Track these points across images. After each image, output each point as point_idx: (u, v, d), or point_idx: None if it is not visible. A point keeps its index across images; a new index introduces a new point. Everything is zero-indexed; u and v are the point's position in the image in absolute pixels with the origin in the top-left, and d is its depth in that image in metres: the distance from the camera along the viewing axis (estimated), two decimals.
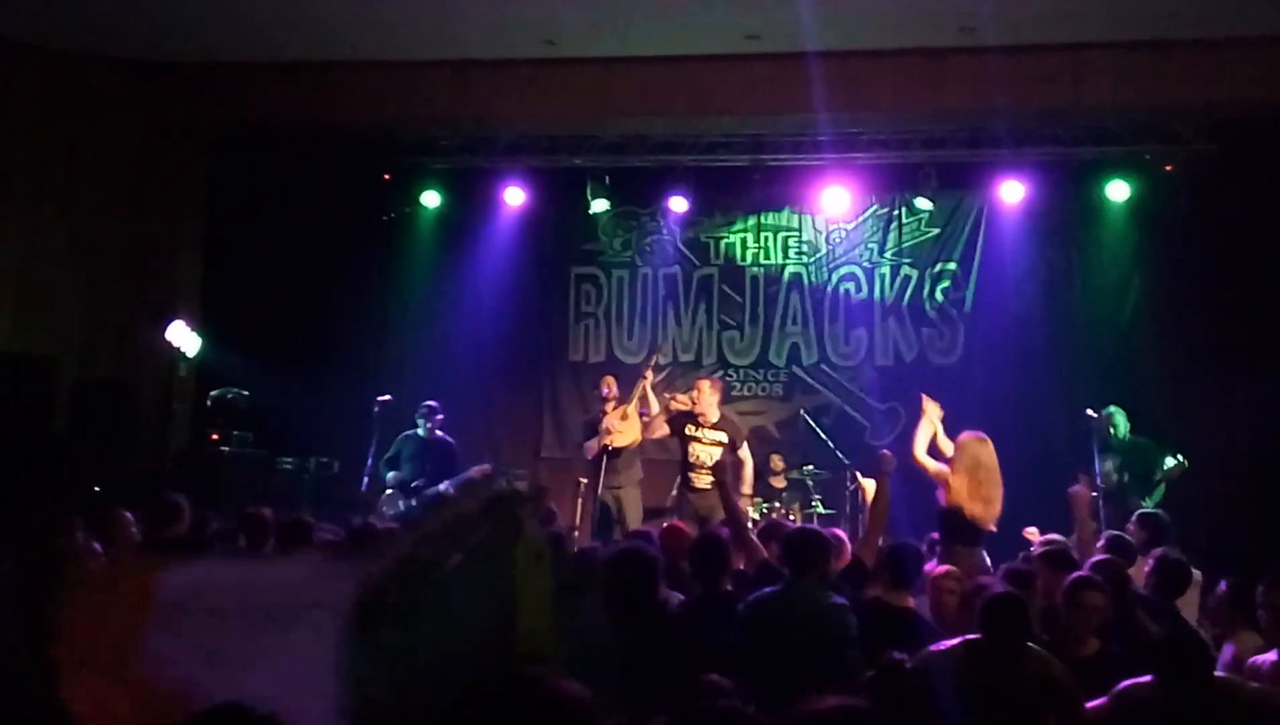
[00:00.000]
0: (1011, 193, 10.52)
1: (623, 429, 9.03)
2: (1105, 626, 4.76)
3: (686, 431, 8.51)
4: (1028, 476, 7.85)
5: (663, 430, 8.81)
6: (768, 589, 4.98)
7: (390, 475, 9.25)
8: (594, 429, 9.29)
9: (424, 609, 2.41)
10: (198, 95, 10.32)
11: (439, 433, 9.43)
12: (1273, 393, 9.10)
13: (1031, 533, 7.21)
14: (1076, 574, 4.88)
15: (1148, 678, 4.02)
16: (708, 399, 8.53)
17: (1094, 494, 7.85)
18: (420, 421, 9.40)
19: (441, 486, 9.03)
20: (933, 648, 4.53)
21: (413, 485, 9.18)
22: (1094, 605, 4.61)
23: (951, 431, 7.52)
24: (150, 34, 9.62)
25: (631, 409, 9.07)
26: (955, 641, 4.51)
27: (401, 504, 9.07)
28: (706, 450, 8.38)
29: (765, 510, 9.63)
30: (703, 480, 8.23)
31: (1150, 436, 8.53)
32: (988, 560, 6.56)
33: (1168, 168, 10.21)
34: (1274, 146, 9.37)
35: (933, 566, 6.42)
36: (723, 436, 8.47)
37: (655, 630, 4.35)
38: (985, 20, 8.71)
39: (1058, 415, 8.81)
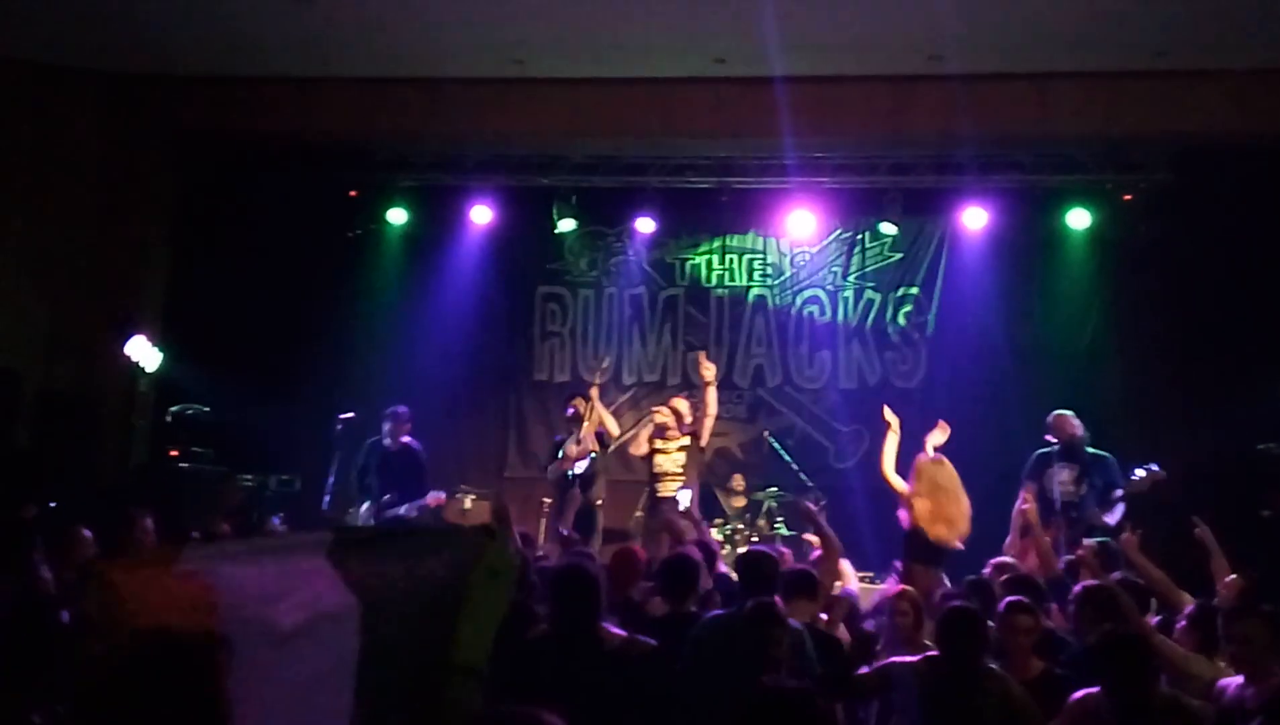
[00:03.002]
0: (974, 219, 10.65)
1: (578, 453, 9.10)
2: (1048, 647, 4.86)
3: (653, 444, 8.70)
4: (990, 499, 7.93)
5: (641, 448, 8.88)
6: (720, 611, 5.02)
7: (364, 508, 9.14)
8: (557, 451, 9.34)
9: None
10: (166, 108, 10.25)
11: (405, 439, 9.27)
12: (1230, 415, 9.24)
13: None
14: (1007, 599, 4.95)
15: (1096, 688, 4.08)
16: (682, 414, 8.81)
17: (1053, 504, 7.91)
18: (386, 428, 9.24)
19: (402, 510, 8.98)
20: (894, 659, 4.58)
21: (383, 499, 9.08)
22: (1025, 627, 4.68)
23: (914, 454, 7.61)
24: (119, 46, 9.55)
25: (586, 431, 9.12)
26: (918, 656, 4.56)
27: (371, 519, 8.97)
28: (671, 458, 8.61)
29: (729, 532, 9.66)
30: (668, 488, 8.47)
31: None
32: (946, 582, 6.61)
33: (1127, 196, 10.38)
34: (1231, 176, 9.54)
35: (890, 586, 6.48)
36: (685, 441, 8.71)
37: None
38: (951, 49, 8.85)
39: (1020, 438, 8.88)
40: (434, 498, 9.11)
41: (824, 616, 5.54)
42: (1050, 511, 7.90)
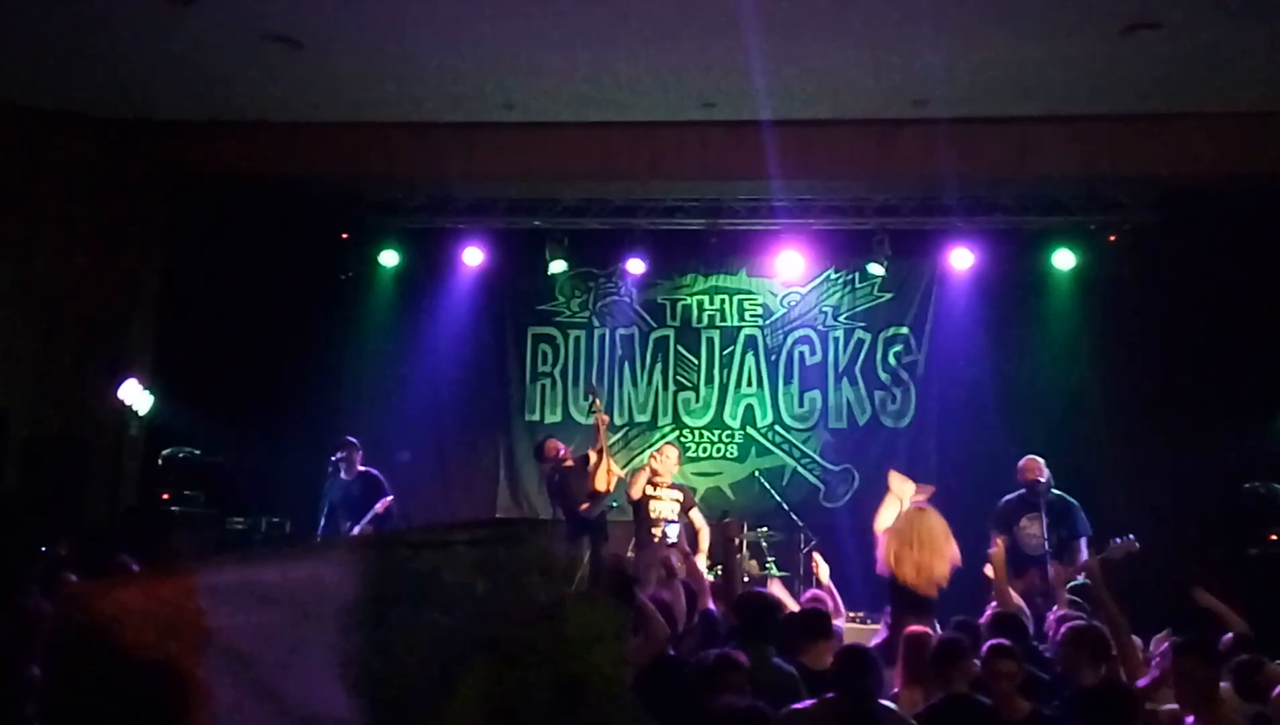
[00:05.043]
0: (961, 260, 10.73)
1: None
2: (1032, 688, 4.90)
3: (647, 491, 8.92)
4: (978, 539, 7.94)
5: (636, 493, 9.02)
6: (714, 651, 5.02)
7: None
8: (568, 490, 9.38)
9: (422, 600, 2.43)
10: (158, 151, 10.31)
11: (360, 468, 9.48)
12: (1216, 454, 9.29)
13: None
14: (989, 643, 4.98)
15: None
16: (669, 463, 9.11)
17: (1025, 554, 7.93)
18: (340, 459, 9.43)
19: (356, 530, 9.10)
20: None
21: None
22: (1006, 672, 4.74)
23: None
24: (111, 90, 9.63)
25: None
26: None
27: None
28: (666, 505, 8.87)
29: (719, 573, 9.65)
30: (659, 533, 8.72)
31: (1094, 497, 8.67)
32: (938, 630, 6.60)
33: (1111, 237, 10.47)
34: (1214, 218, 9.64)
35: (883, 631, 6.50)
36: (678, 495, 9.06)
37: None
38: (934, 94, 8.96)
39: (1008, 479, 8.92)
40: (382, 503, 9.30)
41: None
42: (1026, 562, 7.93)
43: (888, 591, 6.77)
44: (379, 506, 9.29)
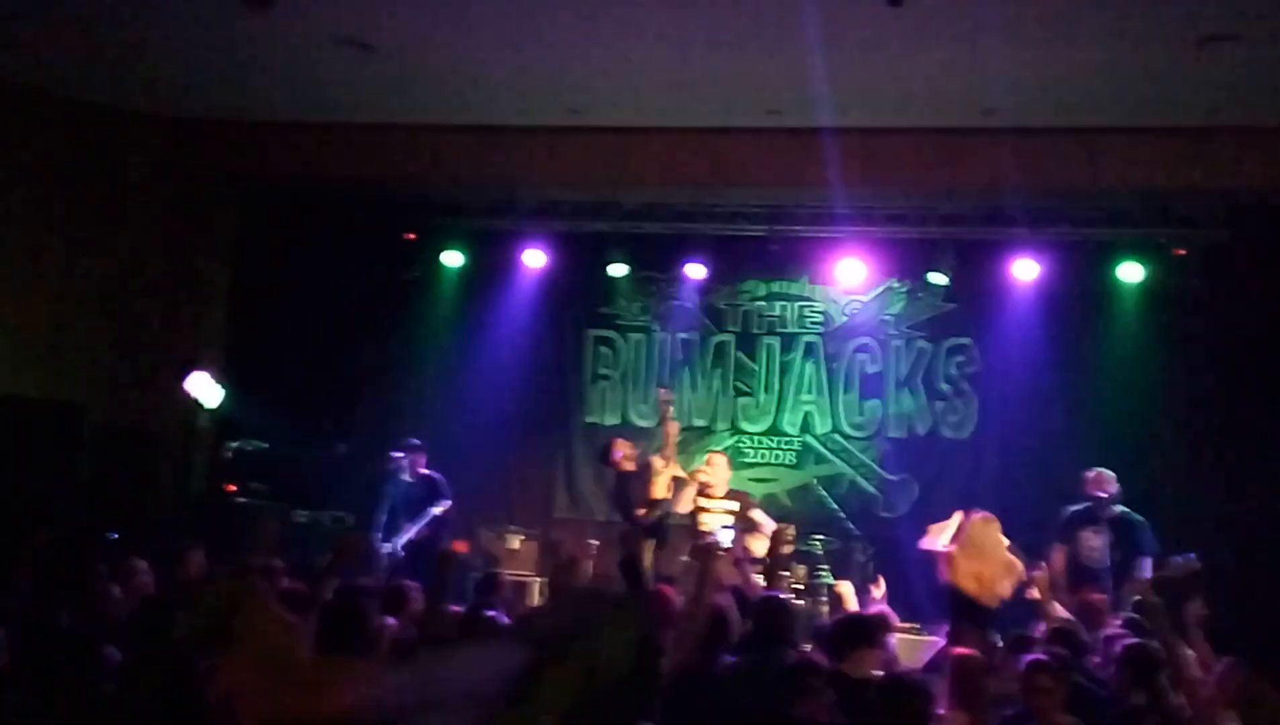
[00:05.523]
0: (1026, 271, 10.60)
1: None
2: (1083, 704, 4.84)
3: (697, 503, 8.83)
4: (1037, 553, 7.89)
5: (686, 506, 8.96)
6: (733, 658, 5.01)
7: (388, 544, 9.37)
8: (626, 494, 9.36)
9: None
10: (230, 152, 10.54)
11: (422, 471, 9.58)
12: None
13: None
14: (1028, 658, 4.96)
15: None
16: (720, 473, 9.01)
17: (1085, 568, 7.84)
18: (404, 462, 9.54)
19: (413, 532, 9.25)
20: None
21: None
22: (1044, 686, 4.70)
23: (964, 506, 7.60)
24: (183, 91, 9.86)
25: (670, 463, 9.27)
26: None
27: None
28: (716, 518, 8.71)
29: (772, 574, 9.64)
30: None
31: (1158, 513, 8.55)
32: (999, 641, 6.55)
33: (1179, 252, 10.30)
34: None
35: (939, 641, 6.46)
36: (732, 505, 8.88)
37: None
38: (1003, 103, 8.88)
39: (1070, 492, 8.83)
40: (440, 507, 9.44)
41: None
42: (1085, 574, 7.83)
43: (948, 601, 6.75)
44: (437, 509, 9.44)
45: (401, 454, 9.64)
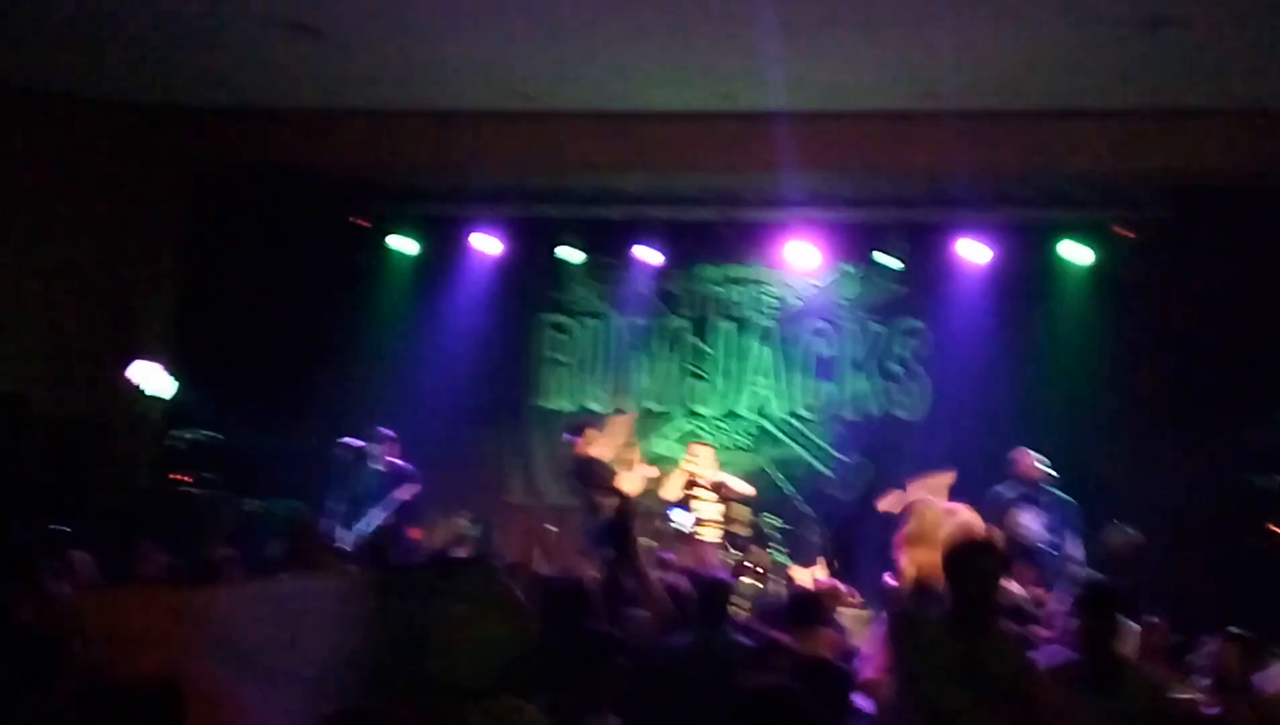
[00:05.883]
0: (975, 253, 10.70)
1: None
2: None
3: (686, 492, 9.05)
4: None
5: (675, 495, 9.09)
6: (678, 639, 5.05)
7: (357, 526, 9.32)
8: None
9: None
10: (177, 138, 10.43)
11: (390, 460, 9.57)
12: (1228, 452, 9.29)
13: None
14: None
15: None
16: (705, 462, 9.30)
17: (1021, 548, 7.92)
18: (373, 451, 9.52)
19: (380, 517, 9.22)
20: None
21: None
22: None
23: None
24: (130, 77, 9.74)
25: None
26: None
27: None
28: (708, 507, 9.04)
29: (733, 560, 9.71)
30: (708, 533, 8.89)
31: (1104, 491, 8.68)
32: None
33: (1124, 233, 10.43)
34: (1229, 214, 9.61)
35: None
36: (714, 495, 9.22)
37: None
38: (950, 87, 8.96)
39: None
40: (407, 490, 9.44)
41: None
42: (1020, 553, 7.90)
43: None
44: (404, 493, 9.41)
45: (362, 443, 9.61)
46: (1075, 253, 10.53)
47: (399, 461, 9.64)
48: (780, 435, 11.56)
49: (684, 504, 9.07)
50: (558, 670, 3.86)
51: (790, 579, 7.27)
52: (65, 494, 8.78)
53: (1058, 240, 10.60)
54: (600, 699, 3.88)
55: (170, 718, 2.61)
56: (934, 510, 6.89)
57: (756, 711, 2.86)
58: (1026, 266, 10.79)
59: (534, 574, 6.22)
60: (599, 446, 9.03)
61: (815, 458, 11.44)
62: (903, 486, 7.69)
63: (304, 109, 10.15)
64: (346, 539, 9.20)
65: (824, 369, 11.57)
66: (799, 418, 11.56)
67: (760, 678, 3.66)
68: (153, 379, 9.65)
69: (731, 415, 11.64)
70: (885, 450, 11.16)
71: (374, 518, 9.35)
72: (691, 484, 9.09)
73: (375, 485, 9.51)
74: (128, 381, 9.59)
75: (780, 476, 10.82)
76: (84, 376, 10.02)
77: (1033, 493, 8.27)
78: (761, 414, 11.61)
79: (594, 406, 11.68)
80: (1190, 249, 9.95)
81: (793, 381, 11.60)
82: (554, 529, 9.70)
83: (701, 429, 11.54)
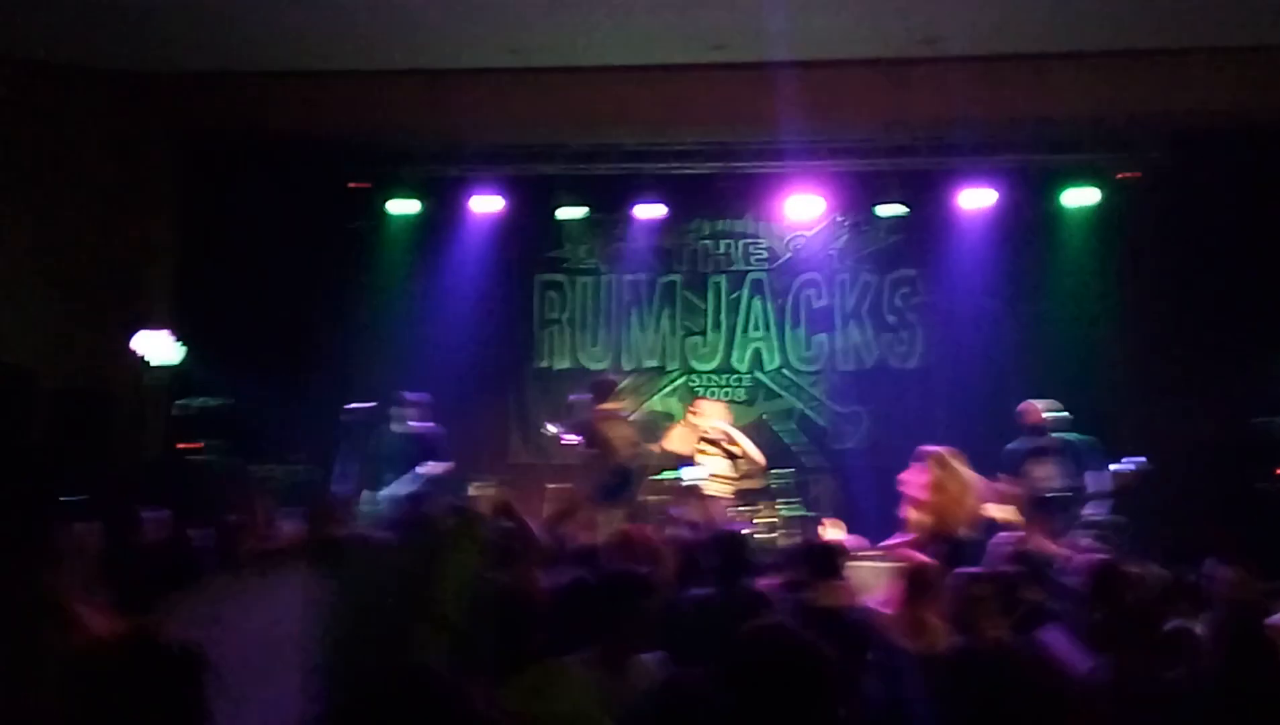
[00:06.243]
0: (974, 200, 10.70)
1: None
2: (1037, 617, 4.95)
3: (697, 447, 9.06)
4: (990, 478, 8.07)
5: (685, 449, 9.09)
6: (698, 591, 5.06)
7: (379, 494, 9.24)
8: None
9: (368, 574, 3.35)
10: (169, 105, 10.28)
11: (413, 424, 9.44)
12: (1231, 393, 9.37)
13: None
14: (963, 570, 5.14)
15: None
16: (715, 415, 9.40)
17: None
18: (395, 414, 9.42)
19: (402, 491, 9.12)
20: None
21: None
22: (977, 596, 4.86)
23: (916, 436, 7.74)
24: (121, 44, 9.58)
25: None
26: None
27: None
28: (717, 461, 9.11)
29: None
30: (714, 489, 8.94)
31: (1107, 436, 8.73)
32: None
33: (1125, 176, 10.45)
34: (1231, 157, 9.63)
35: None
36: (734, 448, 9.36)
37: None
38: (947, 31, 8.92)
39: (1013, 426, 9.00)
40: (440, 467, 9.30)
41: None
42: (1039, 505, 7.96)
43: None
44: (436, 468, 9.24)
45: (370, 406, 9.49)
46: (1077, 197, 10.54)
47: (419, 424, 9.48)
48: (776, 388, 11.61)
49: (692, 460, 9.08)
50: (599, 617, 3.88)
51: (815, 532, 7.30)
52: (72, 465, 8.70)
53: (1058, 184, 10.62)
54: (638, 642, 3.90)
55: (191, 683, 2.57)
56: (959, 460, 6.97)
57: (757, 652, 2.85)
58: (1027, 212, 10.80)
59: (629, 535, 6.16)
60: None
61: (811, 409, 11.49)
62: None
63: (296, 72, 10.02)
64: (369, 501, 9.19)
65: (818, 321, 11.61)
66: (794, 370, 11.61)
67: (758, 620, 3.68)
68: (157, 347, 9.57)
69: (727, 369, 11.69)
70: (881, 400, 11.25)
71: (402, 484, 9.23)
72: (700, 440, 9.10)
73: (399, 449, 9.37)
74: (132, 351, 9.50)
75: (777, 429, 10.86)
76: (88, 347, 9.92)
77: (1045, 443, 8.31)
78: (756, 368, 11.65)
79: (589, 365, 11.68)
80: (1192, 191, 9.97)
81: (786, 334, 11.66)
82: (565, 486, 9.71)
83: (696, 384, 11.57)
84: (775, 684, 2.74)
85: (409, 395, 9.51)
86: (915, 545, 7.03)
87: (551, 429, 9.77)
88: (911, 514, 7.26)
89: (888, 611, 5.33)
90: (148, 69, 10.06)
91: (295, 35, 9.21)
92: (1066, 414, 8.64)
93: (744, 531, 6.77)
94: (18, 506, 7.44)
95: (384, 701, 2.32)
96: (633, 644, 3.87)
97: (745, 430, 11.30)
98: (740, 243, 11.80)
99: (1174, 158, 10.05)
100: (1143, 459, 7.77)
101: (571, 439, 9.41)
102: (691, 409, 9.89)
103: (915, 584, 5.34)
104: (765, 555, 7.41)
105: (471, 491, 9.98)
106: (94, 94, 10.14)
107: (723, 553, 5.40)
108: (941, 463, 7.09)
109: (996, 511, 7.54)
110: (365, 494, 9.24)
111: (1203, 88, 9.25)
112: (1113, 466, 8.15)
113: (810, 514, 9.52)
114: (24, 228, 9.94)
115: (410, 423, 9.44)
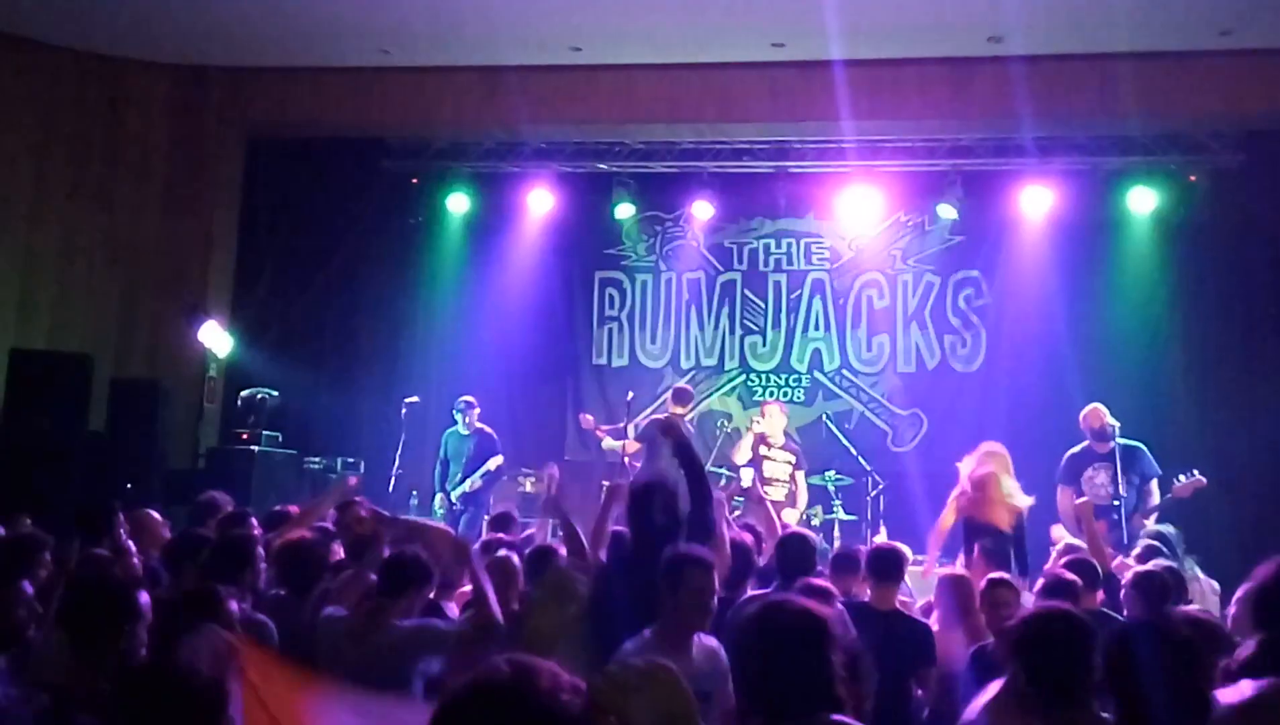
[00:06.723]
0: (1036, 201, 10.53)
1: None
2: None
3: (759, 451, 8.98)
4: (1049, 484, 7.91)
5: (745, 455, 9.06)
6: (759, 592, 5.03)
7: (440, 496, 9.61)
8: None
9: None
10: (233, 99, 10.48)
11: (478, 426, 9.69)
12: None
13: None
14: (992, 574, 5.11)
15: None
16: (775, 422, 9.15)
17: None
18: (458, 417, 9.65)
19: (466, 485, 9.32)
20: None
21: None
22: (1002, 601, 4.83)
23: (976, 437, 7.61)
24: (185, 38, 9.77)
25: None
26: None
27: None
28: (779, 467, 8.96)
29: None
30: (774, 493, 8.73)
31: (1170, 442, 8.53)
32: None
33: (1192, 178, 10.22)
34: None
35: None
36: (789, 456, 9.13)
37: None
38: (1011, 30, 8.78)
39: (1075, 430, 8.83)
40: (494, 462, 9.61)
41: None
42: (1095, 513, 7.78)
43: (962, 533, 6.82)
44: (491, 464, 9.64)
45: (462, 409, 9.73)
46: (1140, 199, 10.32)
47: (481, 425, 9.77)
48: (835, 388, 11.49)
49: (753, 463, 9.01)
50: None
51: (868, 537, 7.24)
52: (132, 454, 8.88)
53: (1121, 186, 10.40)
54: (693, 619, 3.90)
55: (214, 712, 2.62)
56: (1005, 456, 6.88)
57: (776, 628, 2.82)
58: (1088, 214, 10.58)
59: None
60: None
61: (870, 411, 11.36)
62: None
63: (357, 67, 10.14)
64: (441, 501, 9.58)
65: (878, 322, 11.46)
66: (853, 371, 11.48)
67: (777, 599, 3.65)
68: (215, 339, 9.74)
69: (785, 369, 11.58)
70: (941, 403, 11.09)
71: (465, 483, 9.56)
72: (760, 443, 9.04)
73: (461, 449, 9.67)
74: (197, 343, 9.69)
75: (836, 430, 10.75)
76: (147, 338, 10.14)
77: (1103, 451, 8.15)
78: (816, 368, 11.53)
79: (647, 363, 11.67)
80: (1258, 193, 9.73)
81: (846, 335, 11.51)
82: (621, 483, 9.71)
83: (755, 384, 11.50)
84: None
85: (466, 398, 9.73)
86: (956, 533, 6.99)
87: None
88: (958, 501, 7.17)
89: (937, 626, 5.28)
90: (209, 63, 10.26)
91: (356, 31, 9.32)
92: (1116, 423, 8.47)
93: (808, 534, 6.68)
94: (79, 494, 7.63)
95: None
96: (692, 623, 3.88)
97: (803, 430, 11.30)
98: (801, 242, 11.68)
99: (1242, 160, 9.80)
100: (1196, 472, 7.57)
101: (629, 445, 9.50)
102: (762, 413, 9.74)
103: (961, 595, 5.28)
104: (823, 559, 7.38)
105: (525, 484, 10.18)
106: (157, 88, 10.38)
107: (788, 555, 5.37)
108: (1000, 461, 7.00)
109: (1059, 532, 7.45)
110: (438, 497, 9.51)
111: (1270, 89, 9.02)
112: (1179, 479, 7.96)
113: (861, 518, 9.44)
114: (84, 219, 10.17)
115: (475, 425, 9.69)
